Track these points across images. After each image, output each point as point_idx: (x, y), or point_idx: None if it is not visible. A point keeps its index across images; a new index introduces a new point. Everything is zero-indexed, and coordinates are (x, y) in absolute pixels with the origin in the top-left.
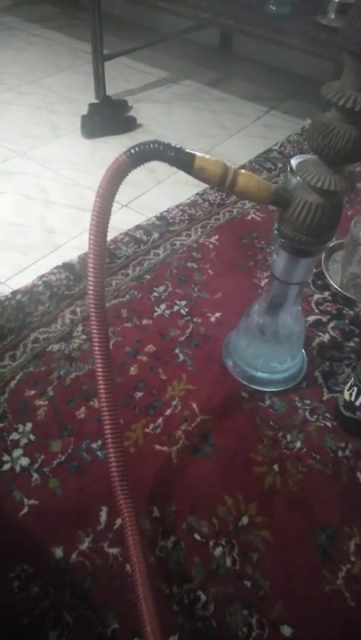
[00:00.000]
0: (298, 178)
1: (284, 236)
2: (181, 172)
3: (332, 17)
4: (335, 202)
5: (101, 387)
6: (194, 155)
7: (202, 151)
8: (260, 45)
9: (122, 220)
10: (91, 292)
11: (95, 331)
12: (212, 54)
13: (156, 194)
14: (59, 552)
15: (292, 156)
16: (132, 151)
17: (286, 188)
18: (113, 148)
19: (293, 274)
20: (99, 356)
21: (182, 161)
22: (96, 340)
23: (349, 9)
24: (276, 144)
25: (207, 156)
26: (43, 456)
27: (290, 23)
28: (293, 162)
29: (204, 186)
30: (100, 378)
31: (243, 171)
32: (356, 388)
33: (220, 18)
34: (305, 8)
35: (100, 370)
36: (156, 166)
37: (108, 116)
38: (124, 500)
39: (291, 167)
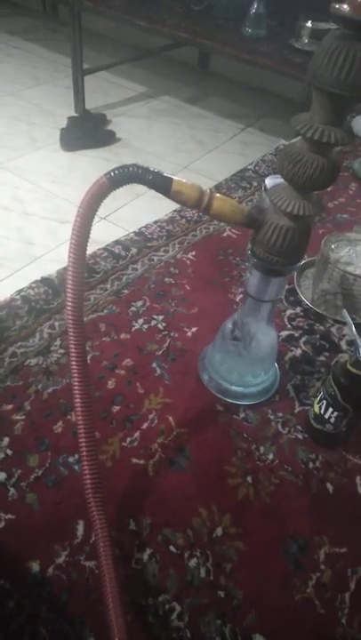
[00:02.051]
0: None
1: (257, 257)
2: None
3: (306, 41)
4: (304, 225)
5: (77, 400)
6: (171, 179)
7: (180, 166)
8: (238, 65)
9: (100, 233)
10: (69, 308)
11: (73, 345)
12: (191, 72)
13: (134, 207)
14: (35, 566)
15: (266, 176)
16: (112, 174)
17: (260, 207)
18: (92, 161)
19: (266, 292)
20: (76, 370)
21: (160, 184)
22: (73, 354)
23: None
24: (252, 163)
25: (184, 180)
26: (20, 470)
27: (265, 45)
28: (267, 181)
29: None
30: (77, 392)
31: (218, 194)
32: (325, 402)
33: (199, 38)
34: (280, 31)
35: (76, 384)
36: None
37: (87, 130)
38: (97, 512)
39: (265, 186)
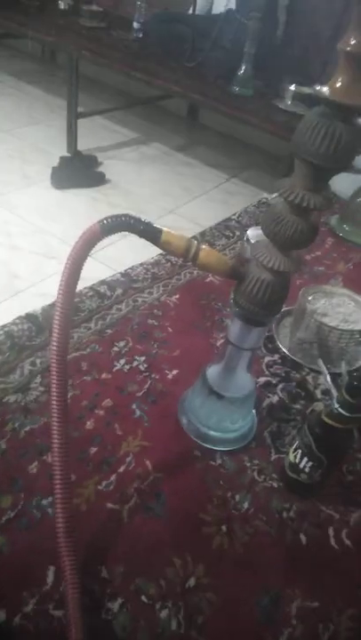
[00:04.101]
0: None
1: (239, 307)
2: None
3: (289, 102)
4: (284, 279)
5: (55, 441)
6: (161, 230)
7: (166, 210)
8: (225, 119)
9: (87, 271)
10: (54, 349)
11: (55, 386)
12: (181, 122)
13: (121, 246)
14: (1, 615)
15: (248, 227)
16: (105, 222)
17: (242, 256)
18: (81, 199)
19: (247, 340)
20: (56, 411)
21: (151, 234)
22: (55, 394)
23: (305, 97)
24: (235, 214)
25: (173, 232)
26: None
27: (251, 103)
28: (249, 232)
29: None
30: (55, 433)
31: (204, 246)
32: (300, 451)
33: (190, 92)
34: (266, 91)
35: (55, 424)
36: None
37: (77, 170)
38: (67, 558)
39: (247, 237)
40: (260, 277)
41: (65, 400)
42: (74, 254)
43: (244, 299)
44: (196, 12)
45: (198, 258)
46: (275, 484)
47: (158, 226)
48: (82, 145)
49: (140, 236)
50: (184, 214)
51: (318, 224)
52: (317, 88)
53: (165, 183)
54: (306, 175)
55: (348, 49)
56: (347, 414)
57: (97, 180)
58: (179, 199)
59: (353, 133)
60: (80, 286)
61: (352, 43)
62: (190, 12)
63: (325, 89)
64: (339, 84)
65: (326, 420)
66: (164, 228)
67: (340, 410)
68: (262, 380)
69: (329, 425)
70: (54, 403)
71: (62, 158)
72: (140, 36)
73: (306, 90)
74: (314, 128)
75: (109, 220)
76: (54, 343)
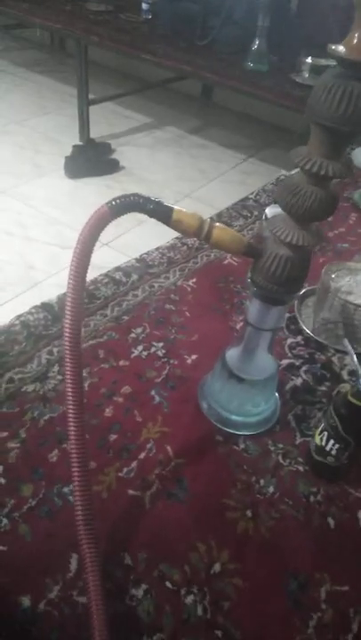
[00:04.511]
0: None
1: (257, 285)
2: None
3: (306, 76)
4: (303, 255)
5: (72, 429)
6: (172, 208)
7: (182, 194)
8: (240, 97)
9: (103, 259)
10: (67, 335)
11: (69, 374)
12: (194, 103)
13: (136, 233)
14: (26, 601)
15: (267, 205)
16: (114, 202)
17: (261, 235)
18: (95, 188)
19: (266, 320)
20: (71, 399)
21: (161, 213)
22: (69, 382)
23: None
24: (252, 193)
25: (184, 210)
26: (13, 500)
27: (267, 79)
28: (268, 211)
29: None
30: (71, 421)
31: (217, 224)
32: (326, 433)
33: (202, 72)
34: (281, 66)
35: (71, 413)
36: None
37: (91, 158)
38: (87, 547)
39: (265, 215)
40: (278, 253)
41: (80, 387)
42: (83, 238)
43: (261, 277)
44: None
45: (212, 236)
46: (300, 468)
47: (169, 204)
48: (94, 132)
49: (151, 216)
50: (200, 197)
51: (338, 194)
52: (333, 47)
53: (180, 167)
54: (322, 141)
55: None
56: None
57: (111, 167)
58: (194, 182)
59: None
60: (96, 274)
61: None
62: None
63: (341, 48)
64: (356, 41)
65: (352, 400)
66: (175, 207)
67: None
68: (285, 362)
69: (355, 405)
70: (69, 390)
71: (75, 147)
72: (150, 17)
73: (323, 62)
74: (330, 90)
75: (118, 200)
76: (67, 329)
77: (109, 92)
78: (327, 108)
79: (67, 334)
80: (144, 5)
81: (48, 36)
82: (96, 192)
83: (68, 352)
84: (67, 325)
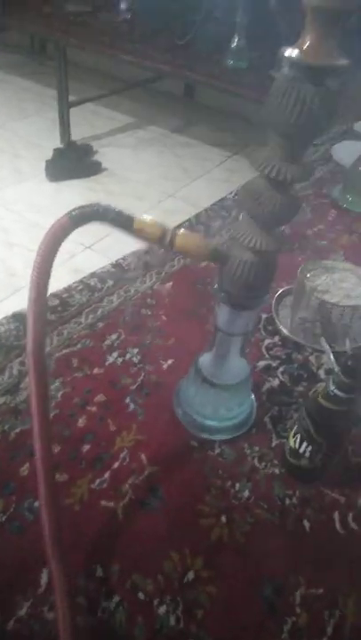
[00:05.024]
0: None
1: (224, 290)
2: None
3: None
4: (268, 259)
5: (38, 443)
6: (133, 217)
7: (165, 194)
8: (223, 94)
9: (84, 263)
10: (30, 347)
11: (34, 390)
12: (177, 102)
13: (119, 236)
14: None
15: None
16: (74, 213)
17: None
18: (77, 191)
19: (235, 325)
20: (36, 413)
21: (122, 223)
22: (34, 397)
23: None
24: (231, 192)
25: (147, 219)
26: None
27: (247, 76)
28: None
29: None
30: (37, 435)
31: (181, 231)
32: (299, 435)
33: (182, 71)
34: (261, 62)
35: (36, 426)
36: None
37: (72, 161)
38: (55, 563)
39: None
40: (242, 259)
41: (46, 402)
42: (42, 249)
43: (227, 282)
44: None
45: (175, 243)
46: (276, 471)
47: (130, 213)
48: (76, 134)
49: (113, 226)
50: (185, 197)
51: (299, 198)
52: (287, 51)
53: (164, 166)
54: (281, 145)
55: (315, 3)
56: (343, 395)
57: (93, 169)
58: (179, 182)
59: (326, 96)
60: (79, 277)
61: None
62: None
63: (295, 51)
64: (307, 45)
65: (323, 402)
66: (136, 216)
67: (335, 391)
68: (262, 363)
69: (326, 407)
70: (34, 403)
71: (56, 150)
72: (129, 16)
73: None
74: (283, 94)
75: (78, 210)
76: (30, 342)
77: (91, 93)
78: (282, 113)
79: (30, 347)
80: (123, 5)
81: (28, 39)
82: (78, 195)
83: (32, 367)
84: (30, 339)
